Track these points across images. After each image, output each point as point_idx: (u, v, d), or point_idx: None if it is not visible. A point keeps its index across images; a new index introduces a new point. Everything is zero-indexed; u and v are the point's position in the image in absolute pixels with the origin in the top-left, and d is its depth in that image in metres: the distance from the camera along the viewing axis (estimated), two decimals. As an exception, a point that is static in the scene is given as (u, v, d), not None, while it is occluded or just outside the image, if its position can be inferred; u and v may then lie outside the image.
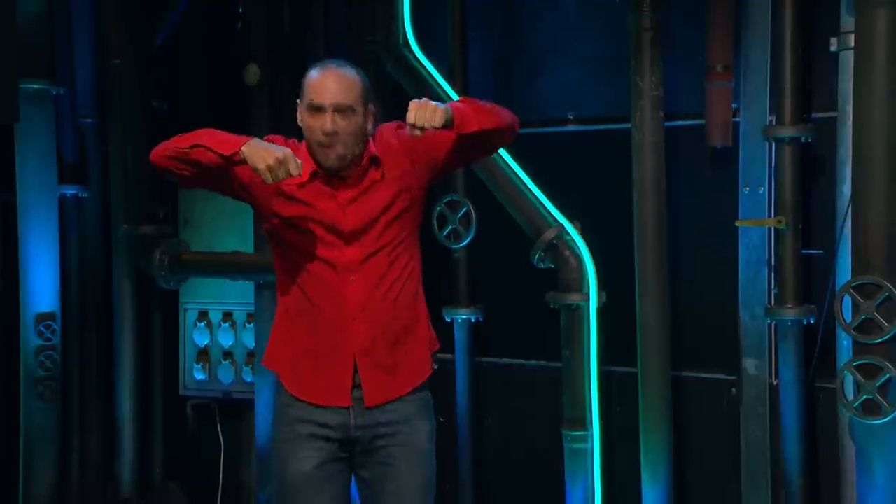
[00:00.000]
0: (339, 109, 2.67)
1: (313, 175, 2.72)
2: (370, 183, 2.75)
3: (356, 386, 2.74)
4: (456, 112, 2.64)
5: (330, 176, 2.72)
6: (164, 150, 2.68)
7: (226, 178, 2.70)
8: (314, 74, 2.71)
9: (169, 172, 2.71)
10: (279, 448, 2.79)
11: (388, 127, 2.81)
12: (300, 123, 2.75)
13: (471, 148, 2.77)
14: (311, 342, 2.76)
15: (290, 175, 2.55)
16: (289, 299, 2.79)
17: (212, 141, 2.62)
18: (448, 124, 2.62)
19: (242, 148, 2.57)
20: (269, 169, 2.53)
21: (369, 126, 2.74)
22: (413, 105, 2.60)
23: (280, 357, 2.83)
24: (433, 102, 2.61)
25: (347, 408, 2.74)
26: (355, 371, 2.74)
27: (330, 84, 2.68)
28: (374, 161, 2.75)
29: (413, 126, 2.58)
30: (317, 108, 2.67)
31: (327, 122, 2.66)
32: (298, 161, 2.56)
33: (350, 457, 2.78)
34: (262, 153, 2.54)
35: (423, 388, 2.83)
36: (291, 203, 2.72)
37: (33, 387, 4.39)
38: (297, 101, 2.75)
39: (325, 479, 2.74)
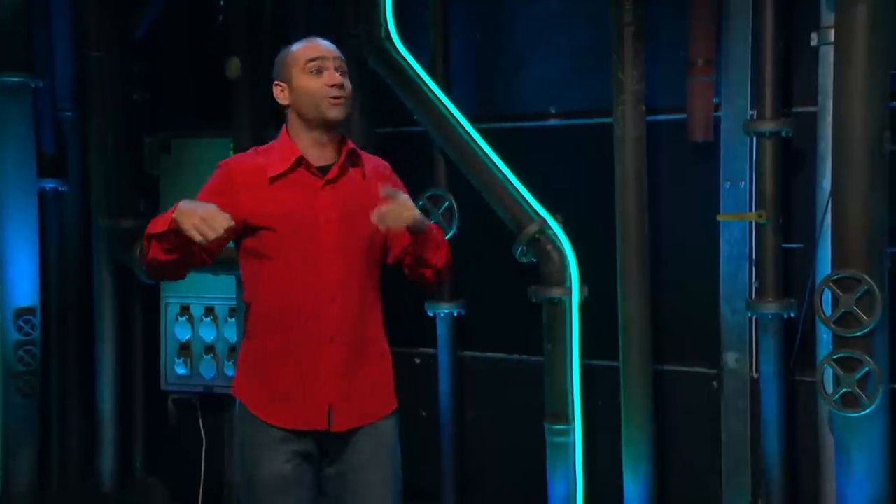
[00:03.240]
0: (339, 68, 2.69)
1: (297, 162, 2.70)
2: (353, 180, 2.73)
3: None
4: (432, 235, 2.74)
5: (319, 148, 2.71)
6: (147, 266, 2.68)
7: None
8: (301, 43, 2.73)
9: (170, 271, 2.71)
10: (248, 450, 2.74)
11: (384, 164, 2.83)
12: (286, 101, 2.72)
13: (406, 254, 2.79)
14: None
15: (222, 229, 2.51)
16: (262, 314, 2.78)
17: (154, 227, 2.61)
18: (416, 230, 2.67)
19: (174, 215, 2.54)
20: (195, 227, 2.49)
21: None
22: (394, 200, 2.60)
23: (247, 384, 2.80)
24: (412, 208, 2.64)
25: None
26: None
27: (325, 44, 2.72)
28: (353, 155, 2.74)
29: (381, 216, 2.60)
30: (318, 67, 2.67)
31: (335, 74, 2.67)
32: (225, 214, 2.52)
33: (319, 452, 2.75)
34: (187, 215, 2.52)
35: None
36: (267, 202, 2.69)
37: (12, 382, 4.36)
38: (276, 81, 2.73)
39: (296, 479, 2.72)
